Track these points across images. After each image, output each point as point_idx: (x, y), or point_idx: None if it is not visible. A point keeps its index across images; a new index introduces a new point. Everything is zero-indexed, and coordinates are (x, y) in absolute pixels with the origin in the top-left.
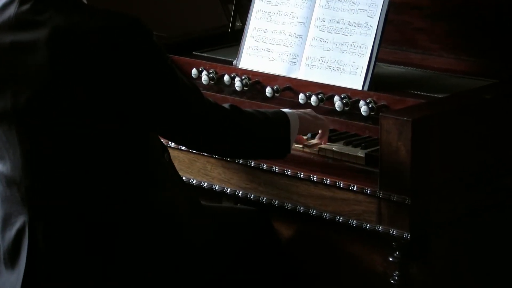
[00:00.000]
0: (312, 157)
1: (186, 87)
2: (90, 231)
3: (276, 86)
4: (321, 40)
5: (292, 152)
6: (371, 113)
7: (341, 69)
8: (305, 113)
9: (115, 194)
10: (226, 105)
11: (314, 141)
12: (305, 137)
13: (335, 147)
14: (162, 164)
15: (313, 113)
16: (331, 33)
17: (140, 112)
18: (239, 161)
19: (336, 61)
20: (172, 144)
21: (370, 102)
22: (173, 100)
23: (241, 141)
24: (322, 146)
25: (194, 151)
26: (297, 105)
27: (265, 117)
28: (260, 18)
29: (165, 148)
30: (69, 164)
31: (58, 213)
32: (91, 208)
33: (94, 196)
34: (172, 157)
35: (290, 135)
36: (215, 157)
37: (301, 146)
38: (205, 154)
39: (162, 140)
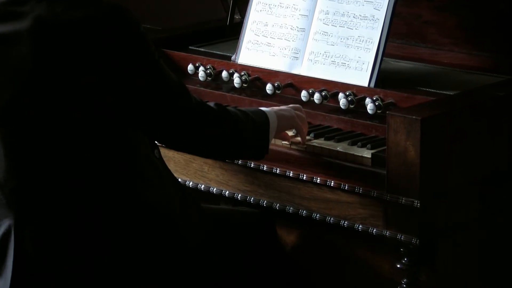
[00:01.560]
0: (315, 158)
1: (172, 80)
2: (80, 232)
3: (277, 82)
4: (325, 34)
5: (293, 152)
6: (378, 111)
7: (346, 65)
8: (281, 109)
9: (104, 192)
10: (211, 104)
11: (298, 138)
12: (290, 134)
13: (339, 147)
14: (152, 161)
15: (289, 111)
16: (336, 26)
17: (126, 104)
18: (238, 162)
19: (341, 56)
20: None
21: (376, 99)
22: (159, 92)
23: (224, 141)
24: (325, 146)
25: None
26: (299, 103)
27: (248, 118)
28: (260, 10)
29: (155, 145)
30: (55, 163)
31: (45, 214)
32: (79, 208)
33: (83, 196)
34: (167, 158)
35: (269, 136)
36: None
37: (288, 143)
38: None
39: None
